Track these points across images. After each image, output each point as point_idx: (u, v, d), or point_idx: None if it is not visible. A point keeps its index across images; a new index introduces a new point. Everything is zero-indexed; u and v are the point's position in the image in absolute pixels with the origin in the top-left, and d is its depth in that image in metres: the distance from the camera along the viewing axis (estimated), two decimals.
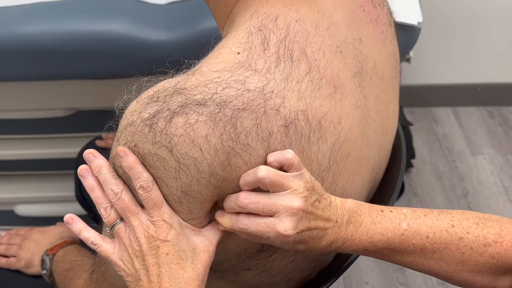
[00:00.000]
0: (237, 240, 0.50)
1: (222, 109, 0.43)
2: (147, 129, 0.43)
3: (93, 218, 1.04)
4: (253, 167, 0.44)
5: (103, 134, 1.02)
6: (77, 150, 1.04)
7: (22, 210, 1.22)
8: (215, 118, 0.43)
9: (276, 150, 0.45)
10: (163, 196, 0.45)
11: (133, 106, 0.45)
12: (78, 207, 1.06)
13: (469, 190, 1.56)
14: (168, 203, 0.45)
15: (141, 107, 0.44)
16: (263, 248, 0.51)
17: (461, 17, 1.61)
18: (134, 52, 0.89)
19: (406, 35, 0.90)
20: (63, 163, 1.13)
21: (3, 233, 0.88)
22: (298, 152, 0.46)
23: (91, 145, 1.02)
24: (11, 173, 1.21)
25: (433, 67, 1.74)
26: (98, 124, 1.07)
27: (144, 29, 0.88)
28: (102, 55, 0.90)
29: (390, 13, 0.59)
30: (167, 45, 0.89)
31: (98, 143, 1.00)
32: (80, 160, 1.04)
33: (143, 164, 0.44)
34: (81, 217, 1.17)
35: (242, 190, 0.45)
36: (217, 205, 0.48)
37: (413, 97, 1.77)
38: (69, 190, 1.13)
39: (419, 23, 0.89)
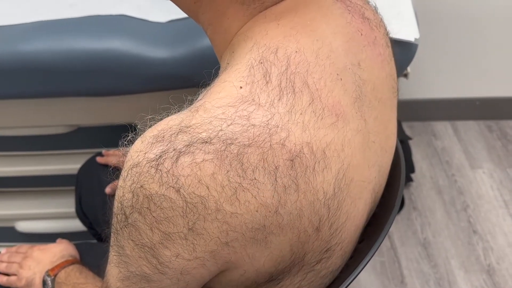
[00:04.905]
0: (248, 276, 0.50)
1: (228, 146, 0.43)
2: (153, 170, 0.43)
3: (93, 234, 1.04)
4: (262, 202, 0.44)
5: (104, 151, 1.02)
6: (78, 166, 1.04)
7: (23, 226, 1.22)
8: (221, 156, 0.43)
9: (283, 183, 0.45)
10: (169, 234, 0.44)
11: (137, 146, 0.45)
12: (78, 223, 1.06)
13: (468, 204, 1.56)
14: (173, 241, 0.45)
15: (146, 147, 0.44)
16: (272, 277, 0.51)
17: (459, 32, 1.63)
18: (135, 70, 0.90)
19: (404, 52, 0.91)
20: (63, 180, 1.14)
21: (3, 250, 0.88)
22: (303, 183, 0.46)
23: (91, 161, 1.02)
24: (12, 190, 1.21)
25: (431, 82, 1.75)
26: (98, 141, 1.09)
27: (145, 47, 0.89)
28: (103, 73, 0.90)
29: (386, 33, 0.60)
30: (167, 63, 0.89)
31: (99, 159, 1.00)
32: (80, 176, 1.05)
33: (149, 205, 0.43)
34: (81, 233, 1.18)
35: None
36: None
37: (411, 111, 1.78)
38: (70, 207, 1.13)
39: (416, 39, 0.90)
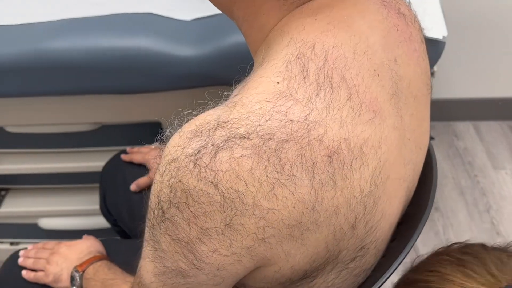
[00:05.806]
0: (283, 273, 0.49)
1: (266, 141, 0.43)
2: (191, 165, 0.43)
3: (117, 231, 1.04)
4: (300, 198, 0.44)
5: (128, 148, 1.03)
6: (102, 164, 1.05)
7: (46, 223, 1.23)
8: (259, 151, 0.42)
9: (320, 180, 0.44)
10: (206, 230, 0.44)
11: (176, 141, 0.45)
12: (102, 220, 1.07)
13: (491, 205, 1.54)
14: (210, 237, 0.45)
15: (185, 142, 0.44)
16: (306, 274, 0.51)
17: (481, 31, 1.61)
18: (160, 68, 0.90)
19: (432, 49, 0.90)
20: (88, 177, 1.14)
21: (30, 247, 0.88)
22: (340, 180, 0.45)
23: (116, 159, 1.03)
24: (36, 187, 1.22)
25: (452, 82, 1.73)
26: (123, 139, 1.09)
27: (170, 45, 0.89)
28: (128, 71, 0.91)
29: (421, 29, 0.59)
30: (192, 61, 0.90)
31: (123, 157, 1.01)
32: (104, 173, 1.05)
33: (187, 199, 0.43)
34: (105, 230, 1.19)
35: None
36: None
37: (433, 111, 1.74)
38: (94, 204, 1.14)
39: (444, 37, 0.89)
